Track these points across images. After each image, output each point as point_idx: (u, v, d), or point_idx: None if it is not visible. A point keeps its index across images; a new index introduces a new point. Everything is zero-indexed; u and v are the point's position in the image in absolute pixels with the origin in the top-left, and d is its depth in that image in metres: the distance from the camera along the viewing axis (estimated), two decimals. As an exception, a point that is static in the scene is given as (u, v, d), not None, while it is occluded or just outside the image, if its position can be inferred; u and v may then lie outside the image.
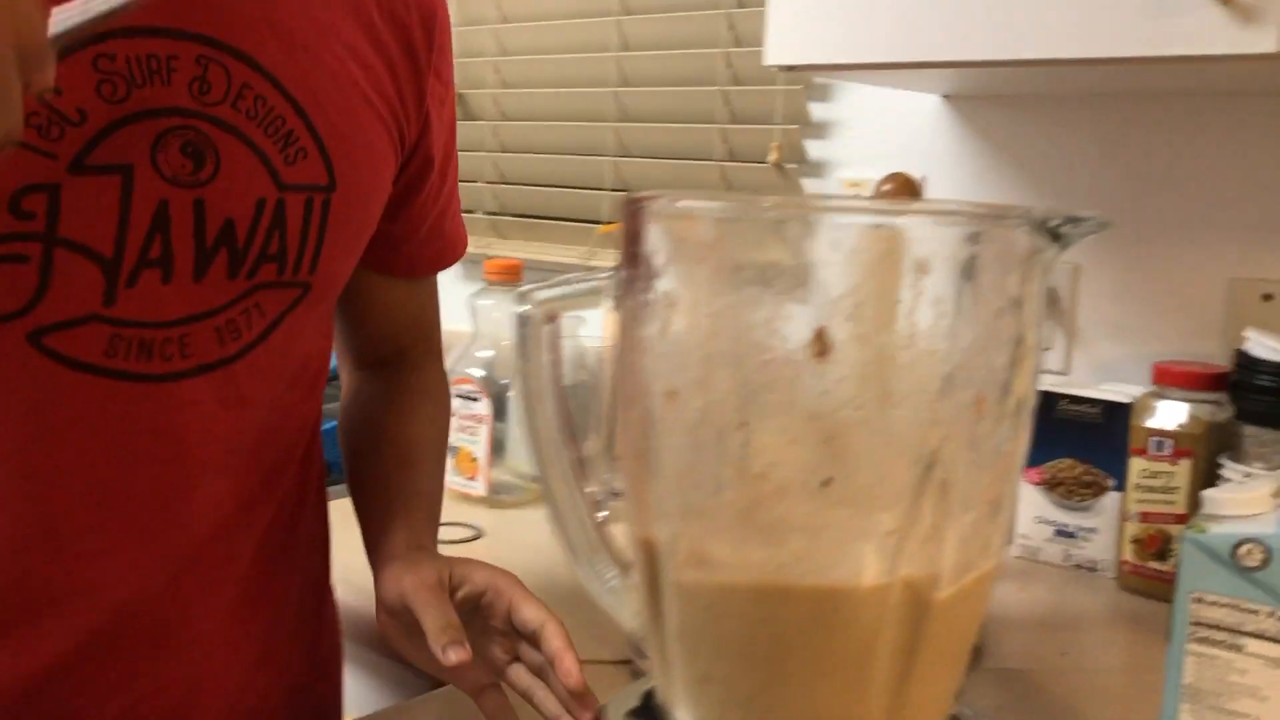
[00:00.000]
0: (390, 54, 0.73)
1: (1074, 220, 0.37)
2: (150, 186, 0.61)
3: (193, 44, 0.62)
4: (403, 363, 0.90)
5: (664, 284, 0.39)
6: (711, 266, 0.39)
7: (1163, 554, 1.05)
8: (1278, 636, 0.61)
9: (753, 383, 0.37)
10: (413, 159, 0.79)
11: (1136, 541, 1.07)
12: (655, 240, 0.40)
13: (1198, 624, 0.63)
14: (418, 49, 0.75)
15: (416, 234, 0.84)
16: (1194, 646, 0.63)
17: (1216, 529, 0.63)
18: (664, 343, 0.39)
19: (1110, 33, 0.91)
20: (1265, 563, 0.61)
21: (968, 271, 0.36)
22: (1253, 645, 0.61)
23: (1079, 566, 1.13)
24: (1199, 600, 0.63)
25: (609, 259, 1.59)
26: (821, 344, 0.36)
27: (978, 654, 0.92)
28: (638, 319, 0.41)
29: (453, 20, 0.81)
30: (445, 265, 0.90)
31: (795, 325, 0.37)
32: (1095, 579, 1.11)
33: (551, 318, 0.45)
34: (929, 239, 0.36)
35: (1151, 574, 1.06)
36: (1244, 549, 0.62)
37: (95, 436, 0.63)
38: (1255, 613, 0.61)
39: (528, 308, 0.45)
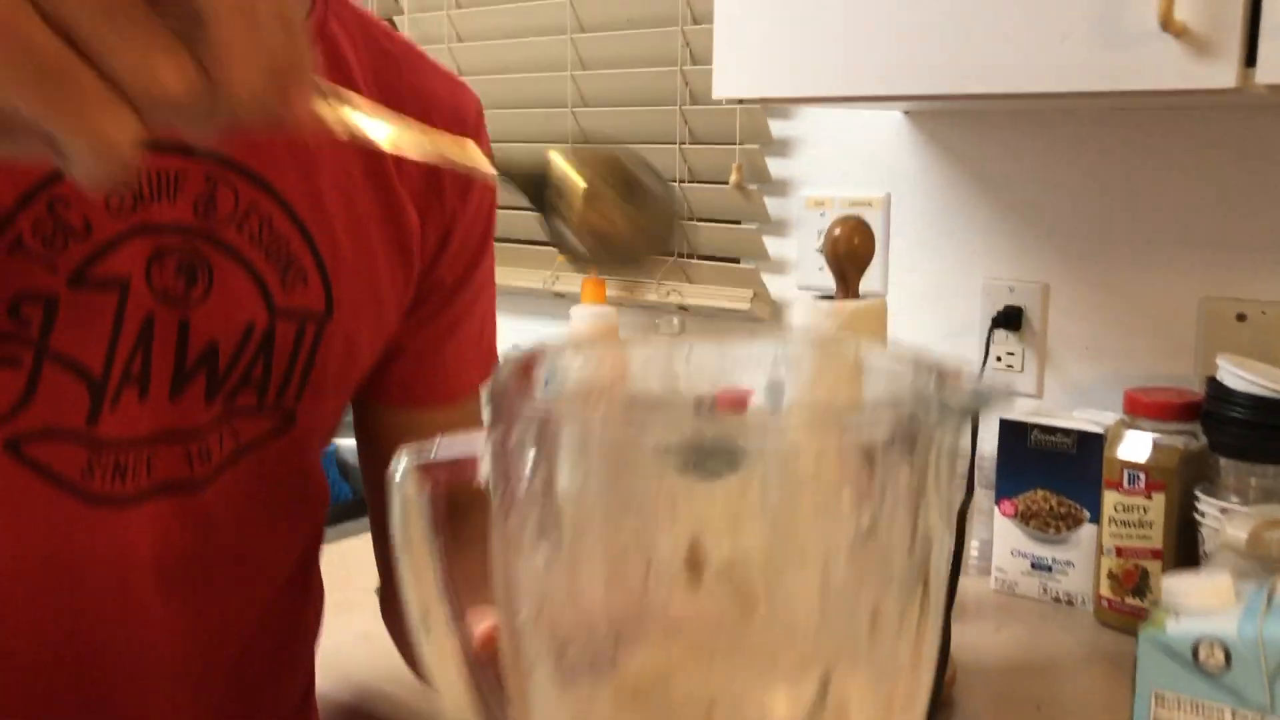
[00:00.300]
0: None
1: (973, 393, 0.34)
2: (140, 301, 0.60)
3: (204, 162, 0.61)
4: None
5: (535, 482, 0.36)
6: (596, 463, 0.36)
7: (1140, 590, 1.02)
8: (1242, 740, 0.58)
9: (625, 605, 0.34)
10: (428, 282, 0.75)
11: (1113, 577, 1.04)
12: (528, 435, 0.37)
13: (1159, 725, 0.60)
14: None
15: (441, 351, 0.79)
16: (1156, 749, 0.60)
17: (1175, 626, 0.61)
18: (532, 559, 0.36)
19: (1063, 68, 0.88)
20: (1227, 664, 0.58)
21: (845, 476, 0.33)
22: (1217, 749, 0.59)
23: (1056, 600, 1.11)
24: (1159, 699, 0.60)
25: (571, 285, 1.56)
26: (696, 562, 0.33)
27: (947, 709, 0.90)
28: (504, 514, 0.38)
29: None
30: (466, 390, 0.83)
31: (670, 541, 0.34)
32: (1073, 614, 1.08)
33: (429, 483, 0.42)
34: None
35: (1129, 610, 1.03)
36: (1204, 650, 0.59)
37: (52, 557, 0.61)
38: (1220, 712, 0.59)
39: (398, 476, 0.42)
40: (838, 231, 0.91)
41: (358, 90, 0.69)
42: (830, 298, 0.91)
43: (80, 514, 0.60)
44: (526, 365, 0.43)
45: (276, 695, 0.77)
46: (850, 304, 0.89)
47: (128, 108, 0.32)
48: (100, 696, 0.64)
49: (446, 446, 0.42)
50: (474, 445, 0.42)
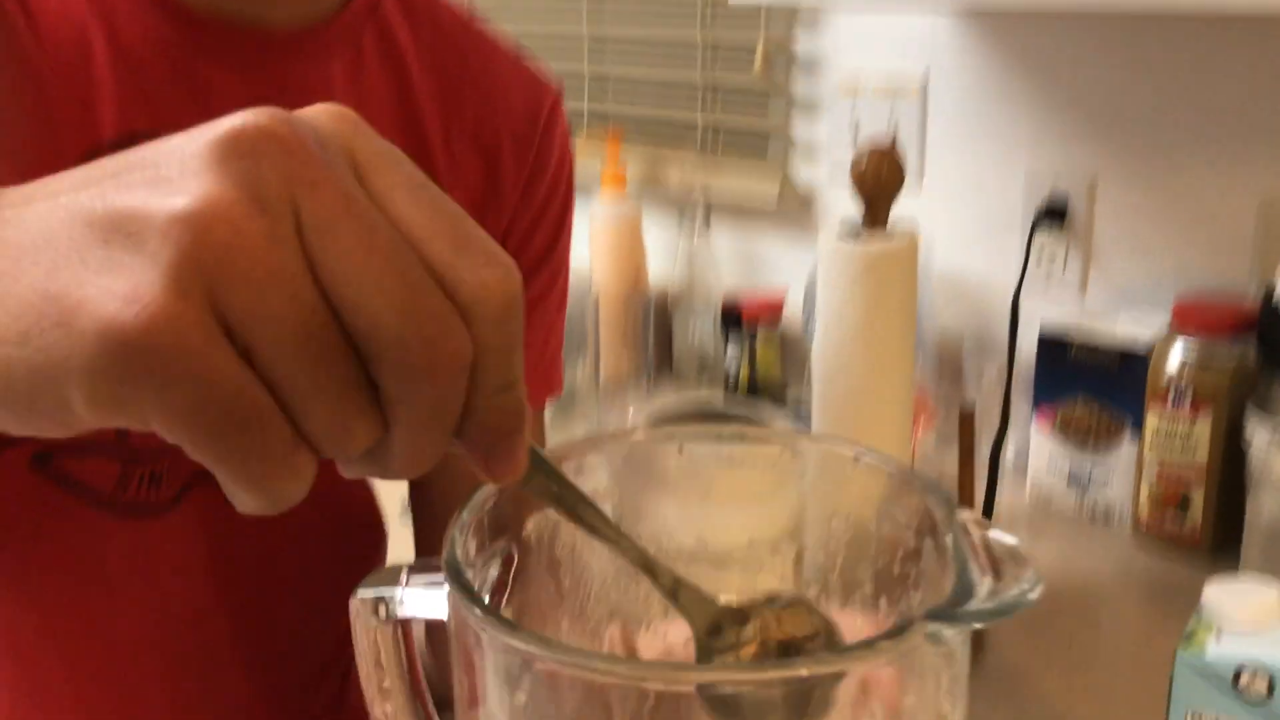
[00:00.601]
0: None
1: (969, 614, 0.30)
2: None
3: None
4: None
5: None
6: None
7: (1180, 512, 0.99)
8: (1280, 766, 0.56)
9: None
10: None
11: (1153, 497, 1.01)
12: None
13: (1194, 744, 0.58)
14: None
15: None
16: (1190, 766, 0.58)
17: (1215, 649, 0.57)
18: None
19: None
20: (1269, 693, 0.55)
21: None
22: (1253, 772, 0.56)
23: (1093, 515, 1.08)
24: (1196, 717, 0.58)
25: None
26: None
27: (977, 649, 0.89)
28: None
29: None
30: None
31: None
32: (1110, 531, 1.06)
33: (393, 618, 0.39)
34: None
35: (1170, 530, 1.00)
36: (1246, 678, 0.56)
37: (87, 578, 0.59)
38: (1256, 739, 0.56)
39: (356, 605, 0.39)
40: (865, 163, 0.84)
41: (410, 74, 0.64)
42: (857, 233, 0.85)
43: (113, 527, 0.59)
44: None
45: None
46: (875, 247, 0.83)
47: (310, 455, 0.27)
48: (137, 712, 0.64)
49: (411, 599, 0.38)
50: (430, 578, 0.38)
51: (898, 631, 0.30)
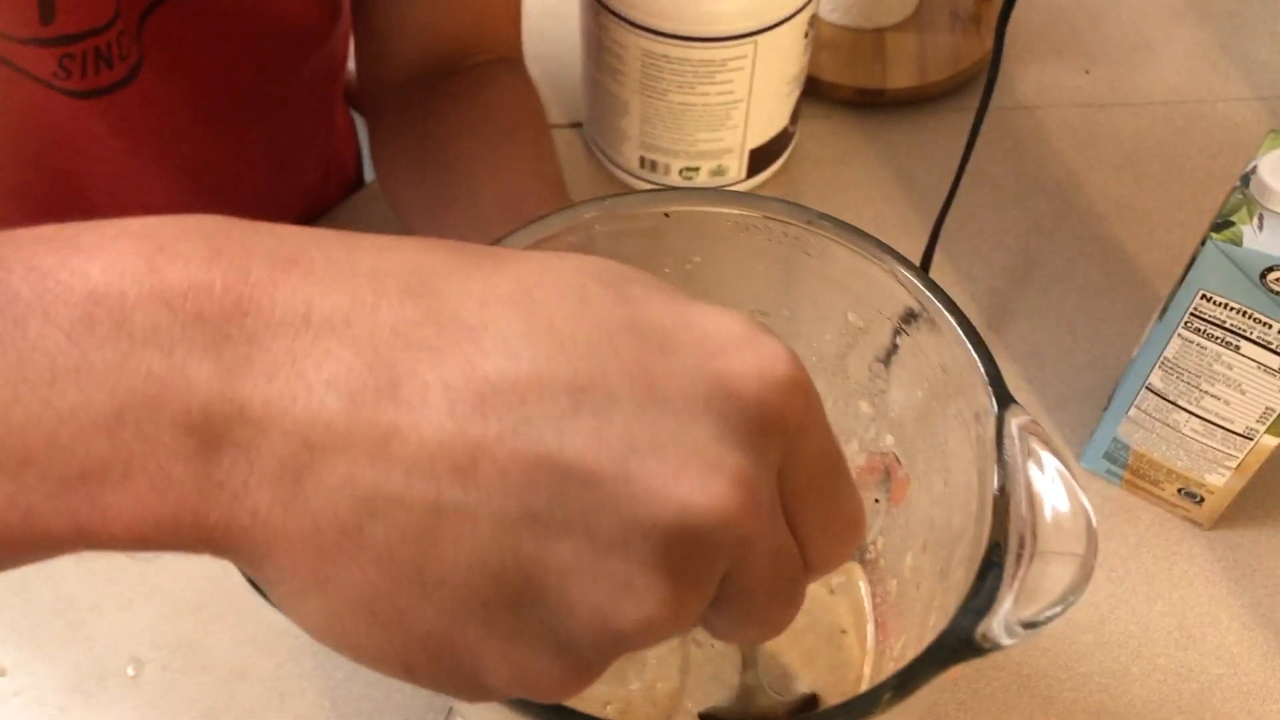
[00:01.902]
0: None
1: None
2: None
3: None
4: (459, 80, 0.60)
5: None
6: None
7: (1255, -102, 0.84)
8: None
9: None
10: None
11: (1228, -125, 0.85)
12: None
13: (1198, 316, 0.55)
14: None
15: None
16: (1186, 333, 0.56)
17: (1253, 240, 0.52)
18: None
19: None
20: (1296, 294, 0.52)
21: None
22: (1250, 349, 0.55)
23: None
24: (1207, 298, 0.55)
25: None
26: None
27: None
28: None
29: None
30: None
31: None
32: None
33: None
34: None
35: (1233, -81, 0.86)
36: (1277, 275, 0.52)
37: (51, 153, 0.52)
38: (1268, 325, 0.54)
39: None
40: None
41: None
42: None
43: (72, 106, 0.50)
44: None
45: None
46: None
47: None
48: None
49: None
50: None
51: (915, 676, 0.25)
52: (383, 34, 0.59)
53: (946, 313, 0.31)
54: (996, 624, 0.25)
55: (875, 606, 0.38)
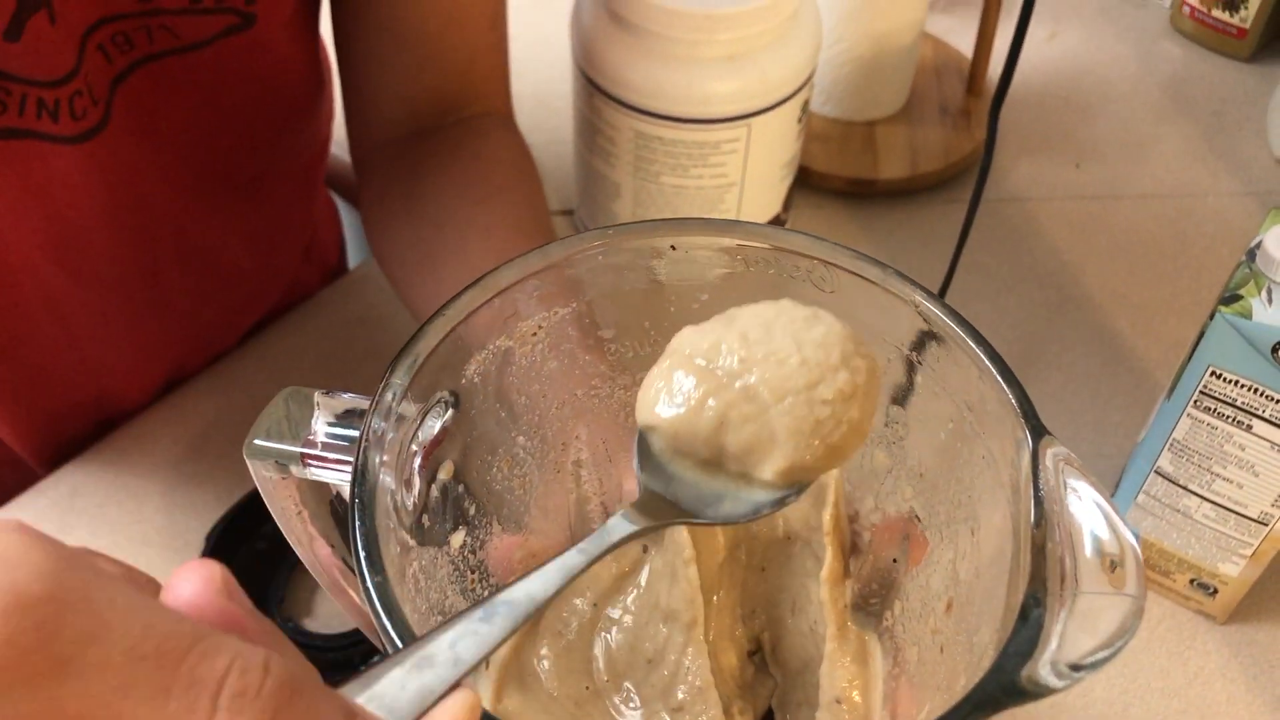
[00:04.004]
0: None
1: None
2: None
3: None
4: (448, 136, 0.59)
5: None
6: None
7: (1234, 4, 0.86)
8: (1295, 429, 0.52)
9: None
10: None
11: (1206, -19, 0.87)
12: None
13: (1208, 394, 0.54)
14: None
15: None
16: (1196, 412, 0.54)
17: (1262, 314, 0.51)
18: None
19: None
20: (1309, 368, 0.50)
21: None
22: (1262, 428, 0.53)
23: (1131, -12, 0.94)
24: (1217, 375, 0.53)
25: None
26: None
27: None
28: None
29: None
30: None
31: None
32: (1146, 14, 0.92)
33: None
34: None
35: (1213, 25, 0.88)
36: (1288, 349, 0.51)
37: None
38: (1279, 402, 0.52)
39: (254, 462, 0.31)
40: None
41: None
42: None
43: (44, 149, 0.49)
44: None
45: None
46: None
47: None
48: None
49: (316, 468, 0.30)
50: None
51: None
52: (369, 89, 0.59)
53: (973, 343, 0.29)
54: (1043, 666, 0.23)
55: (886, 680, 0.35)
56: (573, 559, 0.28)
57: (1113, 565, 0.24)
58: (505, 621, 0.25)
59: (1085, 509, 0.25)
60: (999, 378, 0.28)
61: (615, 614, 0.37)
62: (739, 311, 0.32)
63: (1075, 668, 0.23)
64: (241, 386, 0.66)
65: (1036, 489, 0.26)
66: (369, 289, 0.72)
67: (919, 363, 0.31)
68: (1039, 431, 0.27)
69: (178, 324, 0.63)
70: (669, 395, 0.31)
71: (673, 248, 0.32)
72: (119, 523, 0.60)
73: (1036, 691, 0.23)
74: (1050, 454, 0.26)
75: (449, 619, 0.25)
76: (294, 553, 0.57)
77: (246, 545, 0.59)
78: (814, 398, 0.30)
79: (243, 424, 0.32)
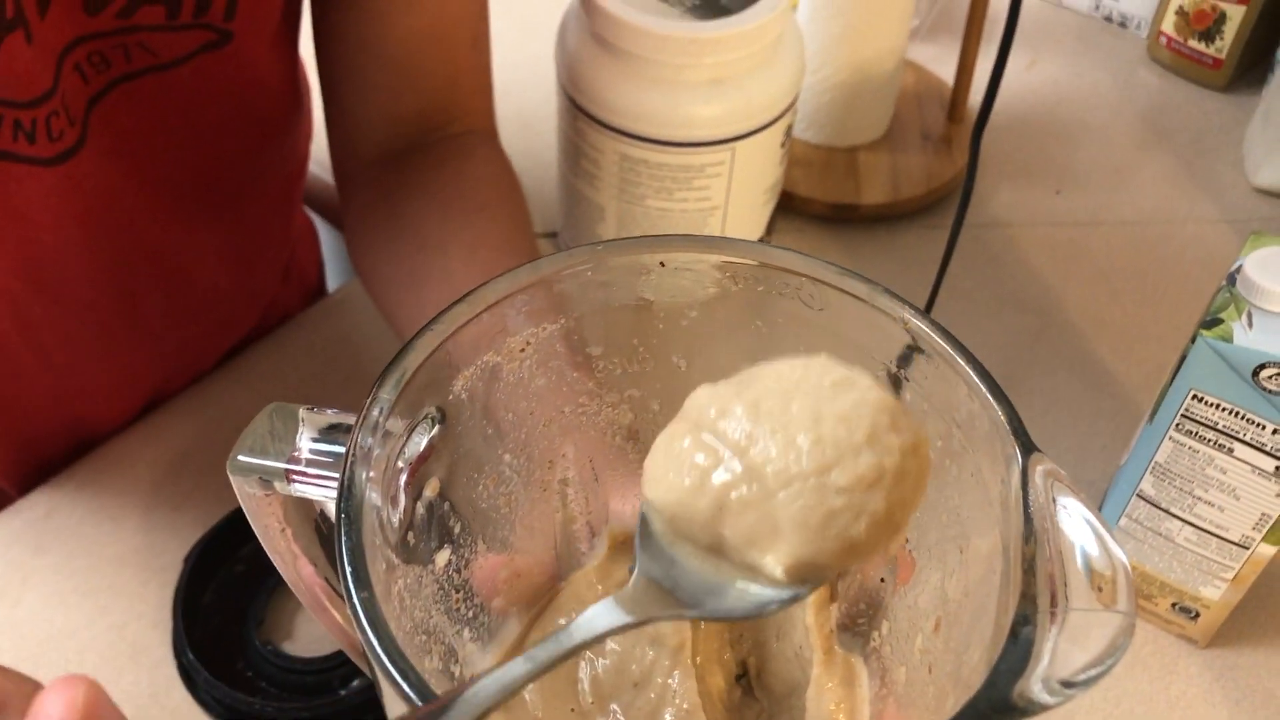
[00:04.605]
0: None
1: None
2: None
3: None
4: (431, 154, 0.58)
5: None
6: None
7: (1210, 35, 0.87)
8: (1276, 452, 0.53)
9: None
10: None
11: (1182, 14, 0.88)
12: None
13: (1189, 418, 0.54)
14: None
15: None
16: (1178, 435, 0.55)
17: (1243, 338, 0.51)
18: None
19: None
20: (1290, 391, 0.50)
21: None
22: (1243, 452, 0.53)
23: (1109, 19, 0.95)
24: (1198, 399, 0.53)
25: None
26: None
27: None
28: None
29: None
30: None
31: None
32: (1123, 44, 0.94)
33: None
34: None
35: (1189, 55, 0.89)
36: (1269, 373, 0.51)
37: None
38: (1261, 426, 0.52)
39: (238, 478, 0.31)
40: None
41: None
42: None
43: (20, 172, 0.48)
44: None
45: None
46: None
47: None
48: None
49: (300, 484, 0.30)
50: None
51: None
52: (352, 107, 0.59)
53: (961, 360, 0.29)
54: (1035, 682, 0.23)
55: (873, 702, 0.35)
56: (540, 653, 0.25)
57: (1103, 582, 0.24)
58: None
59: (1075, 525, 0.25)
60: (988, 394, 0.28)
61: (601, 636, 0.37)
62: (763, 370, 0.28)
63: (1067, 684, 0.23)
64: (221, 408, 0.66)
65: (1026, 505, 0.26)
66: (350, 310, 0.72)
67: (906, 379, 0.31)
68: (1028, 448, 0.27)
69: (156, 346, 0.63)
70: (667, 469, 0.28)
71: (661, 264, 0.32)
72: (96, 544, 0.59)
73: (1028, 709, 0.23)
74: (1040, 470, 0.26)
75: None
76: (273, 575, 0.57)
77: (225, 567, 0.58)
78: (826, 484, 0.26)
79: (222, 446, 0.32)
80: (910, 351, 0.30)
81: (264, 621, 0.57)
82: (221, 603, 0.57)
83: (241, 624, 0.56)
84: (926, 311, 0.66)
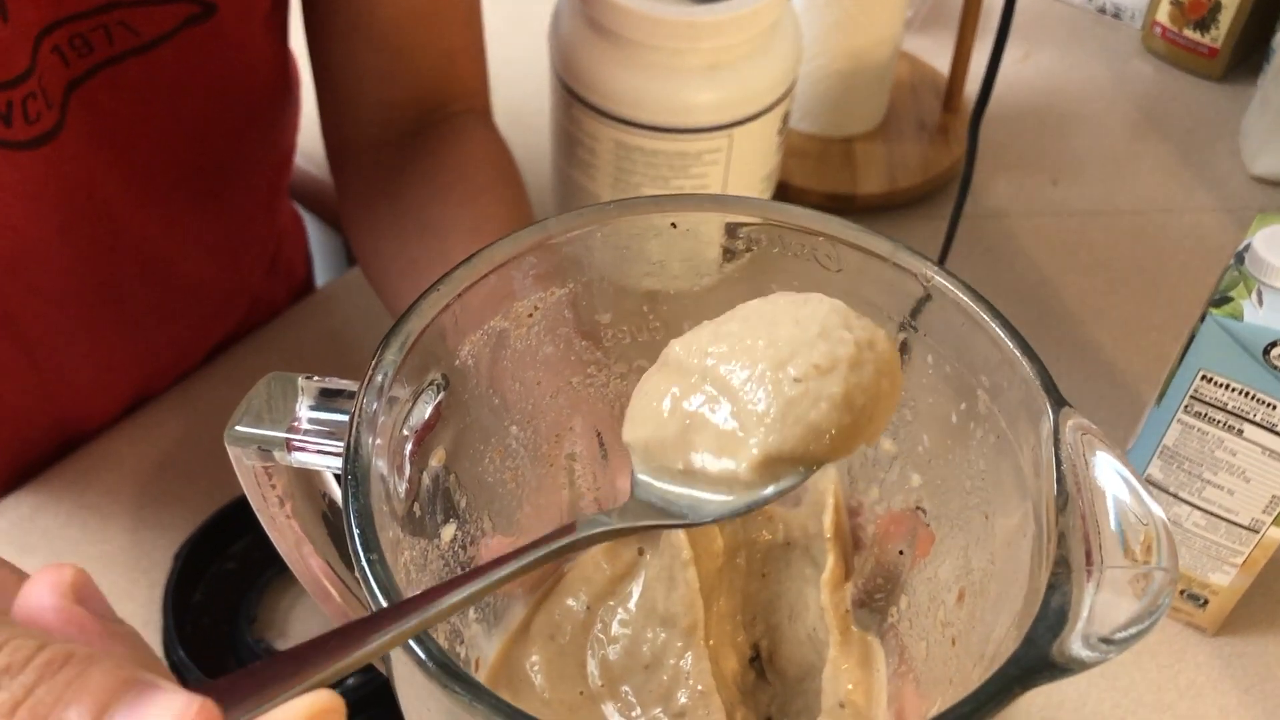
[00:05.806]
0: None
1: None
2: None
3: None
4: (428, 137, 0.58)
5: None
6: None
7: (1205, 24, 0.87)
8: (1286, 432, 0.52)
9: None
10: None
11: (1177, 3, 0.88)
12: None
13: (1198, 399, 0.53)
14: None
15: None
16: (1186, 417, 0.54)
17: (1254, 315, 0.50)
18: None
19: None
20: (1301, 368, 0.50)
21: None
22: (1253, 433, 0.52)
23: (1103, 11, 0.95)
24: (1207, 379, 0.53)
25: None
26: None
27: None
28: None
29: None
30: None
31: None
32: (1117, 35, 0.93)
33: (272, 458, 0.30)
34: None
35: (1184, 44, 0.89)
36: (1279, 351, 0.50)
37: None
38: (1271, 406, 0.51)
39: (236, 449, 0.30)
40: None
41: None
42: None
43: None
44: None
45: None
46: None
47: None
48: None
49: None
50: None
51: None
52: (346, 92, 0.57)
53: (988, 317, 0.28)
54: (1075, 639, 0.22)
55: (890, 680, 0.34)
56: (533, 550, 0.26)
57: (1141, 537, 0.23)
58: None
59: (1110, 480, 0.24)
60: (1015, 350, 0.27)
61: (610, 618, 0.36)
62: (731, 311, 0.29)
63: (1108, 641, 0.22)
64: (208, 404, 0.64)
65: (1059, 462, 0.25)
66: (338, 306, 0.70)
67: (927, 339, 0.30)
68: (1060, 402, 0.26)
69: (141, 340, 0.61)
70: (639, 410, 0.29)
71: (673, 225, 0.31)
72: (83, 543, 0.58)
73: (1069, 666, 0.22)
74: (1071, 425, 0.25)
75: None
76: (266, 572, 0.56)
77: (215, 565, 0.57)
78: (782, 377, 0.27)
79: (210, 443, 0.31)
80: (932, 312, 0.29)
81: (257, 619, 0.55)
82: (213, 601, 0.56)
83: (233, 622, 0.54)
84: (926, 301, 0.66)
